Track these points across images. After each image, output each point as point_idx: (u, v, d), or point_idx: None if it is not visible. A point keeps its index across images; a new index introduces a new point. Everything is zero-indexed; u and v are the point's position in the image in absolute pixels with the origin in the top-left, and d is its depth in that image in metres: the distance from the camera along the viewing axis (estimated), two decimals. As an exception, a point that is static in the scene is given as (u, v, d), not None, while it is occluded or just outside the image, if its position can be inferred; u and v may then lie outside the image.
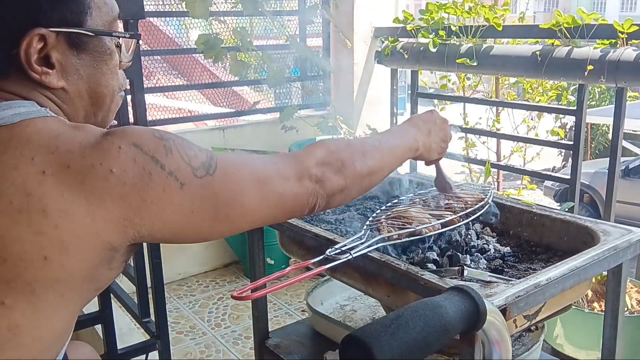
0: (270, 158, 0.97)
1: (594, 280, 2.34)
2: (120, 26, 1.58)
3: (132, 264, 2.08)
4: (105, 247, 0.79)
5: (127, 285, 2.25)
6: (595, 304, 2.42)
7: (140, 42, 1.95)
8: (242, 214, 0.90)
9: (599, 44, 2.30)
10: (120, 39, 0.95)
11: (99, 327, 2.15)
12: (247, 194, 0.89)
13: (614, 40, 2.24)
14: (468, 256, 1.25)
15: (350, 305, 1.77)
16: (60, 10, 0.85)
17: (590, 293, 2.43)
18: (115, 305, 2.19)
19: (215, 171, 0.86)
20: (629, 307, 2.36)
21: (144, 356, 2.06)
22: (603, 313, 1.34)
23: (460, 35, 2.83)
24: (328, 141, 1.05)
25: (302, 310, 3.00)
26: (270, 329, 1.68)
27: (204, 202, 0.85)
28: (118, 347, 1.98)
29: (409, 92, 3.35)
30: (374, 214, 1.36)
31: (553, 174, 3.51)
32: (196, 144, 0.88)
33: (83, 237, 0.77)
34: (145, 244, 2.07)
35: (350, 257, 1.12)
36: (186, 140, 0.87)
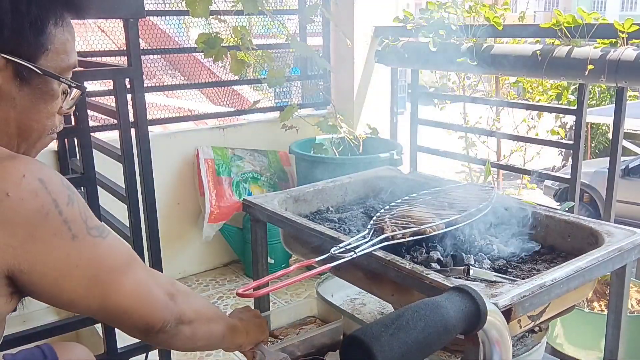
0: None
1: (594, 280, 2.34)
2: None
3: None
4: None
5: (127, 285, 2.24)
6: (595, 304, 2.42)
7: (141, 40, 1.94)
8: (116, 289, 0.91)
9: (599, 43, 2.29)
10: (72, 87, 0.96)
11: (98, 326, 2.15)
12: (126, 274, 0.92)
13: (614, 40, 2.24)
14: (472, 256, 1.25)
15: (360, 298, 1.77)
16: (18, 40, 0.86)
17: (590, 293, 2.43)
18: (116, 305, 2.18)
19: (107, 238, 0.90)
20: (629, 306, 2.36)
21: (143, 355, 2.05)
22: (603, 313, 1.34)
23: (461, 34, 2.83)
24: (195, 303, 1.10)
25: (302, 310, 3.00)
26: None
27: (90, 261, 0.87)
28: (118, 346, 1.97)
29: (409, 91, 3.34)
30: (378, 213, 1.36)
31: (553, 173, 3.51)
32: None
33: None
34: (145, 243, 2.06)
35: (355, 255, 1.12)
36: (86, 204, 0.90)
